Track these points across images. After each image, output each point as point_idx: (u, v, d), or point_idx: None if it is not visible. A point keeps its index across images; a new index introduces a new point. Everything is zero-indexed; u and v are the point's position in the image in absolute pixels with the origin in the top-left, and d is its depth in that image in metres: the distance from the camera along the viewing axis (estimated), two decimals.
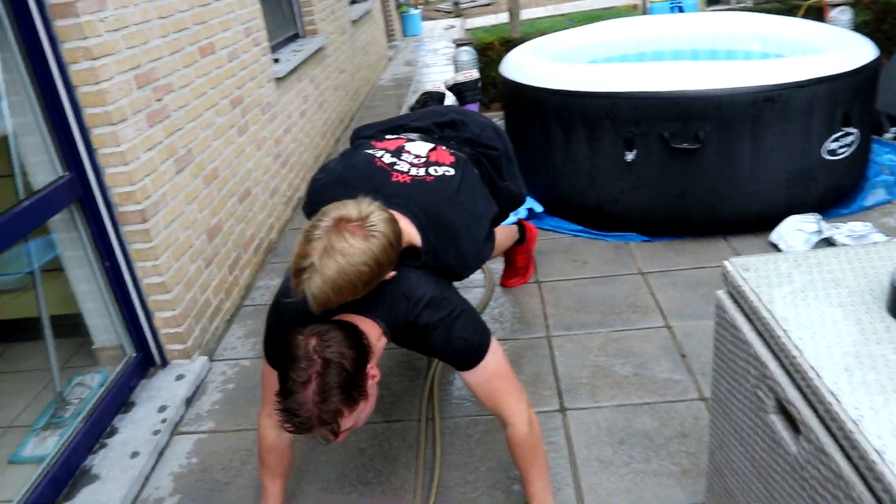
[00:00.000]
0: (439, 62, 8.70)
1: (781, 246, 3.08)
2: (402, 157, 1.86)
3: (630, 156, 3.22)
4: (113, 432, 2.33)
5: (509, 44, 5.83)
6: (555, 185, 3.60)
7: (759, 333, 1.22)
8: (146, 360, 2.63)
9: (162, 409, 2.41)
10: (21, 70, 2.22)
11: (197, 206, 2.88)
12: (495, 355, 1.72)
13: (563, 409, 2.29)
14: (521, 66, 3.75)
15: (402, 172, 1.80)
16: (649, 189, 3.26)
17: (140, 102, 2.50)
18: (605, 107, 3.21)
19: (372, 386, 1.51)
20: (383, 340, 1.63)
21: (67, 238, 2.45)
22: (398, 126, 2.08)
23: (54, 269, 2.56)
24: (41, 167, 2.34)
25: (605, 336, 2.65)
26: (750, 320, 1.26)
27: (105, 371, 2.56)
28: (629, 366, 2.46)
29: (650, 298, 2.86)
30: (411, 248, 1.68)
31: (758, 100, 2.99)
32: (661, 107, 3.07)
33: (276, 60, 4.42)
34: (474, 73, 2.75)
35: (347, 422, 1.43)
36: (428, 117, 2.11)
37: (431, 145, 1.94)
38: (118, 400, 2.44)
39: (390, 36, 10.60)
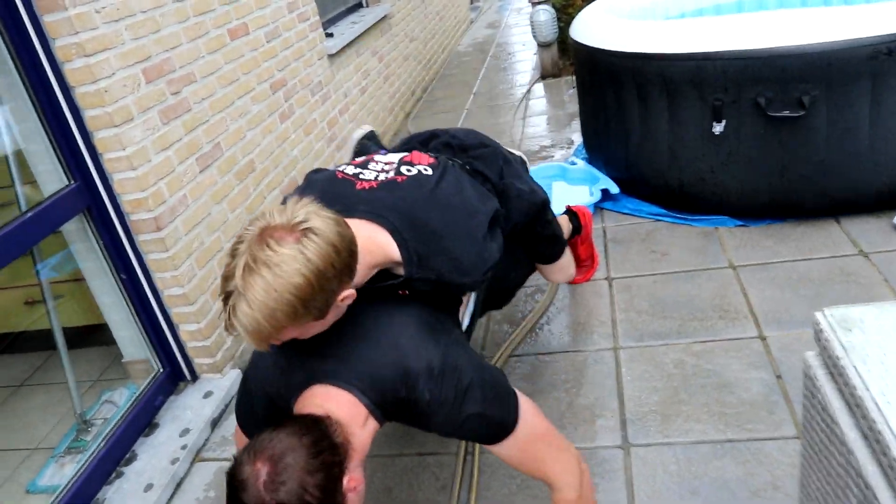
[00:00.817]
0: (522, 23, 8.17)
1: None
2: (368, 167, 1.50)
3: (718, 128, 2.73)
4: (132, 459, 2.17)
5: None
6: (632, 162, 3.15)
7: (865, 437, 0.83)
8: (175, 375, 2.46)
9: (184, 432, 2.23)
10: (13, 73, 2.04)
11: (227, 205, 2.66)
12: (526, 419, 1.36)
13: (625, 445, 1.92)
14: (591, 26, 3.28)
15: (368, 180, 1.45)
16: (743, 166, 2.76)
17: (150, 98, 2.28)
18: (687, 70, 2.72)
19: (353, 500, 1.16)
20: (371, 425, 1.26)
21: (83, 248, 2.29)
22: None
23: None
24: (49, 176, 2.18)
25: (684, 349, 2.24)
26: (852, 412, 0.86)
27: (133, 387, 2.41)
28: (710, 389, 2.05)
29: (741, 299, 2.41)
30: (388, 267, 1.34)
31: (879, 52, 2.42)
32: (754, 68, 2.56)
33: (330, 35, 4.15)
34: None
35: None
36: (405, 142, 1.77)
37: (406, 152, 1.59)
38: (141, 421, 2.29)
39: None
